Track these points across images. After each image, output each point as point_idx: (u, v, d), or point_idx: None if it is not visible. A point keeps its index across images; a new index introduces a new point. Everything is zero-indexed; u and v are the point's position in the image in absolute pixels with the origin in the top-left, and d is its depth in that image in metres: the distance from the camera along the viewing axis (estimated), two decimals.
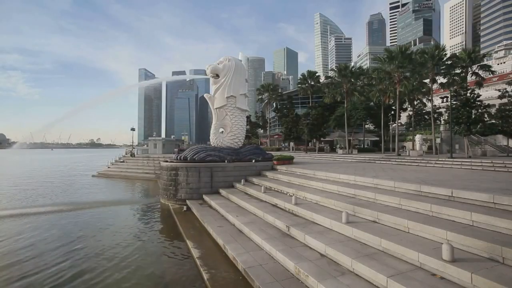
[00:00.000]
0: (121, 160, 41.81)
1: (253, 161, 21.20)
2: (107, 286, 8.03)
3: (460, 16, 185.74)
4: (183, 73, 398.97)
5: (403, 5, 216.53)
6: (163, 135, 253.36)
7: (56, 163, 68.44)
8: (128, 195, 25.31)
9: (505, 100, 29.67)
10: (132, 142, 48.77)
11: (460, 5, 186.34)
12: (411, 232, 7.61)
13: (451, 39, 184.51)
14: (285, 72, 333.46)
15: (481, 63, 33.04)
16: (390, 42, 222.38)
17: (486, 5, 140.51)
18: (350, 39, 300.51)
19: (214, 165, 19.54)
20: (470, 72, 32.34)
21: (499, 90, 35.41)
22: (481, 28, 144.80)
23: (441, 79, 34.68)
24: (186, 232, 12.39)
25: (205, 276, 8.03)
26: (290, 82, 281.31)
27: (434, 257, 5.94)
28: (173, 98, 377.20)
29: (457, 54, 33.81)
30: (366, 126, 51.62)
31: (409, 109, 45.07)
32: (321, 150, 47.70)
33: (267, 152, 25.68)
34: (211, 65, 22.25)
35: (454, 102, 26.45)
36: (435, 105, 41.92)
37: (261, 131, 75.65)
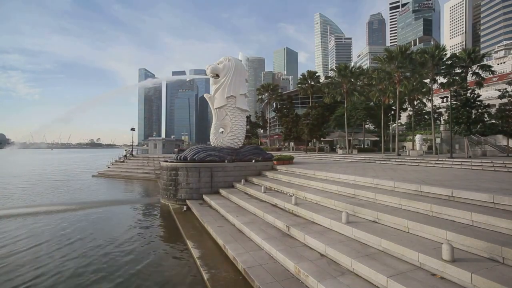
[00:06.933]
0: (121, 160, 41.79)
1: (253, 161, 21.20)
2: (104, 286, 8.03)
3: (460, 16, 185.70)
4: (183, 73, 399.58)
5: (403, 5, 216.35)
6: (163, 135, 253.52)
7: (56, 163, 68.38)
8: (128, 195, 25.28)
9: (505, 100, 29.67)
10: (132, 142, 48.78)
11: (460, 5, 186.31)
12: (411, 232, 7.61)
13: (451, 39, 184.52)
14: (285, 72, 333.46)
15: (481, 63, 33.02)
16: (390, 42, 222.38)
17: (486, 5, 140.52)
18: (350, 39, 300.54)
19: (214, 165, 19.53)
20: (470, 72, 32.33)
21: (499, 90, 35.46)
22: (481, 28, 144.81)
23: (441, 79, 34.66)
24: (186, 232, 12.39)
25: (205, 276, 8.03)
26: (290, 82, 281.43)
27: (434, 257, 5.94)
28: (173, 98, 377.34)
29: (457, 54, 33.76)
30: (366, 126, 51.62)
31: (409, 109, 45.14)
32: (321, 150, 47.68)
33: (267, 152, 25.65)
34: (211, 65, 22.23)
35: (454, 102, 26.46)
36: (435, 105, 42.05)
37: (261, 131, 75.68)
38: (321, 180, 14.56)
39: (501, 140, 35.05)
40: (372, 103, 44.85)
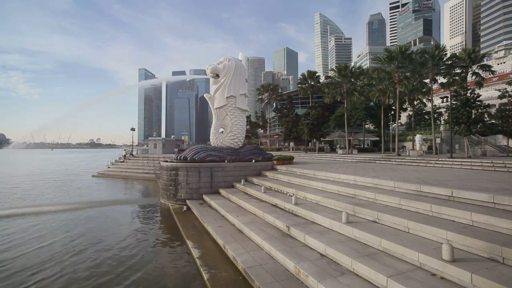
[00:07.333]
0: (121, 160, 41.82)
1: (253, 161, 21.20)
2: (106, 287, 8.04)
3: (460, 16, 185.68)
4: (183, 73, 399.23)
5: (403, 5, 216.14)
6: (163, 135, 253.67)
7: (56, 163, 68.36)
8: (128, 195, 25.28)
9: (505, 100, 29.68)
10: (132, 142, 48.78)
11: (460, 5, 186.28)
12: (411, 232, 7.61)
13: (451, 39, 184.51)
14: (285, 72, 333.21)
15: (481, 63, 33.03)
16: (390, 42, 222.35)
17: (486, 5, 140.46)
18: (350, 39, 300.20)
19: (214, 165, 19.52)
20: (470, 72, 32.33)
21: (499, 90, 35.47)
22: (481, 28, 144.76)
23: (441, 79, 34.67)
24: (186, 232, 12.39)
25: (205, 276, 8.03)
26: (290, 82, 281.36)
27: (434, 257, 5.94)
28: (173, 98, 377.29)
29: (457, 54, 33.78)
30: (366, 126, 51.61)
31: (409, 109, 45.09)
32: (321, 150, 47.69)
33: (267, 152, 25.66)
34: (211, 65, 22.23)
35: (454, 102, 26.45)
36: (435, 105, 42.00)
37: (261, 131, 75.67)
38: (321, 180, 14.56)
39: (501, 140, 35.06)
40: (372, 103, 44.84)
